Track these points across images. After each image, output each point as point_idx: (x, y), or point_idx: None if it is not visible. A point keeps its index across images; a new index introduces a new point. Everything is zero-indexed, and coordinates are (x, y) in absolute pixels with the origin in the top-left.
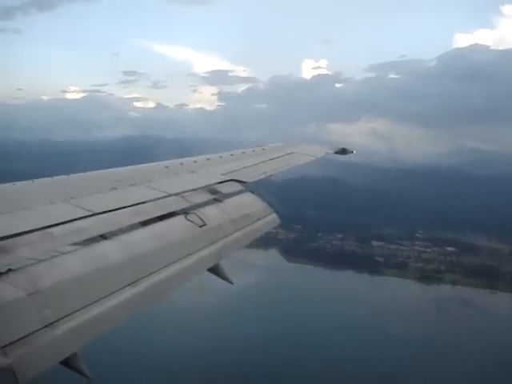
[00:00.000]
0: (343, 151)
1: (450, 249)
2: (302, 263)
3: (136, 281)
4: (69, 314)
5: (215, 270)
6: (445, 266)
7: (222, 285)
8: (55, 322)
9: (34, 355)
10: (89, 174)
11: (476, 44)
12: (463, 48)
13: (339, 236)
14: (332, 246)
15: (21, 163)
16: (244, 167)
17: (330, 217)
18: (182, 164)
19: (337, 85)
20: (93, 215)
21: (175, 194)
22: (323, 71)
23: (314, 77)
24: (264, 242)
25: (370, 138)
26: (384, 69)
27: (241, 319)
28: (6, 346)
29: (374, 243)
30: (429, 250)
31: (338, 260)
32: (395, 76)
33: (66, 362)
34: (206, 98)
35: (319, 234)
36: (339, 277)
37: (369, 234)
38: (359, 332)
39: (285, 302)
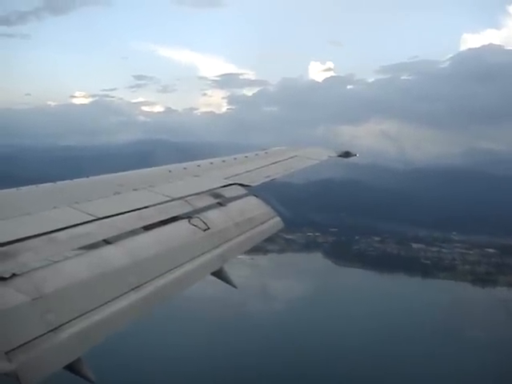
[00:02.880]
0: (346, 154)
1: (490, 250)
2: (350, 266)
3: (140, 285)
4: (73, 319)
5: (219, 274)
6: (493, 268)
7: (289, 290)
8: (59, 326)
9: (38, 360)
10: (92, 178)
11: (490, 44)
12: (477, 48)
13: (377, 238)
14: (374, 249)
15: (28, 168)
16: (247, 171)
17: (361, 219)
18: (185, 168)
19: (348, 87)
20: (96, 220)
21: (178, 199)
22: (333, 73)
23: (325, 79)
24: (305, 245)
25: (383, 140)
26: (396, 70)
27: (313, 323)
28: (10, 351)
29: (414, 245)
30: (471, 252)
31: (385, 263)
32: (408, 77)
33: (71, 367)
34: (215, 102)
35: (357, 237)
36: (394, 280)
37: (405, 236)
38: (440, 336)
39: (353, 307)
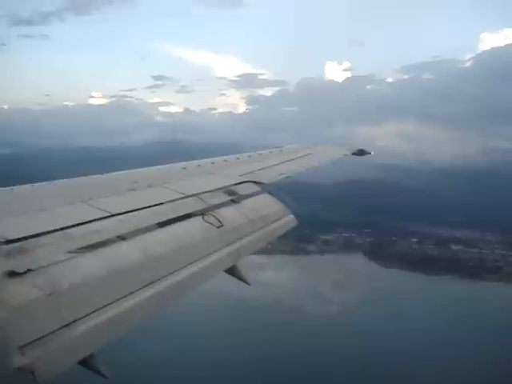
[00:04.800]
0: (361, 152)
1: None
2: (396, 268)
3: (153, 282)
4: (87, 315)
5: (232, 271)
6: None
7: (344, 292)
8: (73, 322)
9: (52, 355)
10: (106, 175)
11: None
12: (500, 47)
13: (414, 240)
14: (414, 251)
15: (44, 168)
16: (261, 168)
17: (392, 219)
18: (199, 165)
19: (368, 87)
20: (110, 216)
21: (192, 195)
22: (350, 73)
23: (345, 79)
24: (343, 246)
25: (402, 140)
26: (417, 70)
27: (376, 325)
28: (24, 345)
29: (453, 247)
30: None
31: (428, 264)
32: (429, 77)
33: (85, 363)
34: (233, 102)
35: (394, 238)
36: (444, 282)
37: (442, 237)
38: None
39: (415, 310)
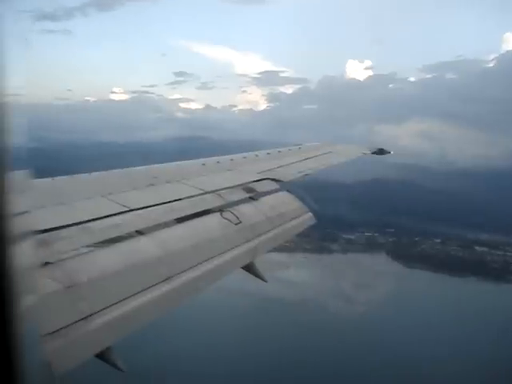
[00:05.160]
0: (381, 151)
1: None
2: (420, 269)
3: (171, 277)
4: (104, 308)
5: (249, 268)
6: None
7: (371, 293)
8: (91, 315)
9: (69, 348)
10: (126, 170)
11: None
12: None
13: (437, 240)
14: (437, 251)
15: (65, 163)
16: (280, 166)
17: (414, 219)
18: (218, 162)
19: (390, 85)
20: (130, 211)
21: (211, 192)
22: (372, 72)
23: (367, 77)
24: (366, 245)
25: (424, 140)
26: (440, 69)
27: (405, 328)
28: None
29: (478, 248)
30: None
31: (452, 266)
32: (453, 76)
33: (101, 356)
34: (254, 99)
35: (416, 239)
36: (470, 285)
37: (465, 239)
38: None
39: (445, 312)
